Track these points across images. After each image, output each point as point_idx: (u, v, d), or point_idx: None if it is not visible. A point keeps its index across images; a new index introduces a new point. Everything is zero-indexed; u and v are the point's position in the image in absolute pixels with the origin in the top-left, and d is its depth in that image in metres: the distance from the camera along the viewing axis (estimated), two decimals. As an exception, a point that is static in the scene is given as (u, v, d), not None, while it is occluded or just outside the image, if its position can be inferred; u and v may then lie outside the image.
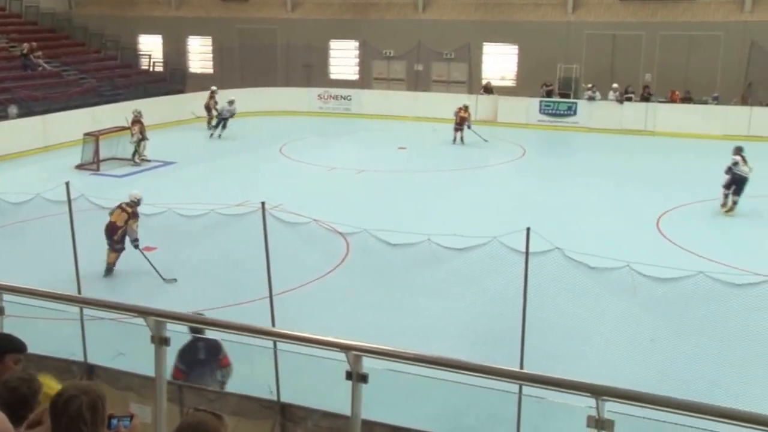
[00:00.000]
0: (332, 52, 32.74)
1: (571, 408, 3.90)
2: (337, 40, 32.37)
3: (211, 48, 34.54)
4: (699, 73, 26.83)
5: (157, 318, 4.10)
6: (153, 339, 4.06)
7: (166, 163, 20.53)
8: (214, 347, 7.00)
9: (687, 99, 26.64)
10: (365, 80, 31.84)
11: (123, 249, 11.80)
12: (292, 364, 6.41)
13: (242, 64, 32.63)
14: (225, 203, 12.78)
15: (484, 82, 29.61)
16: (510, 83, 29.98)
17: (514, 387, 5.96)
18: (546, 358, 7.71)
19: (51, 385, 3.36)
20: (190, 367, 6.80)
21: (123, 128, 20.45)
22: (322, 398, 6.00)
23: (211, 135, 24.30)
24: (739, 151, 16.26)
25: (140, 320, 4.21)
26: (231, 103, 24.20)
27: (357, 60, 32.35)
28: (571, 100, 27.52)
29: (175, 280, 11.51)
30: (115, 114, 21.98)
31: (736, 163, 15.89)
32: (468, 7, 30.38)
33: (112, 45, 31.44)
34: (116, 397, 6.02)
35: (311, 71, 31.82)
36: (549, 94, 27.87)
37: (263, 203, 7.35)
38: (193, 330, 6.58)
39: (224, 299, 9.94)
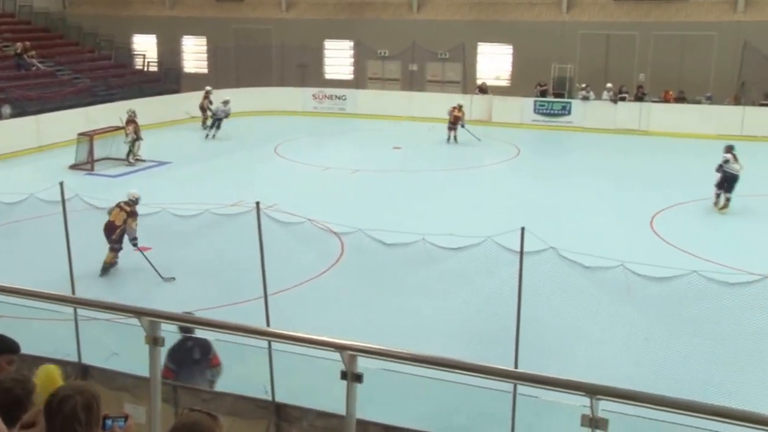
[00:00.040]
0: (327, 52, 32.72)
1: (566, 407, 3.92)
2: (331, 40, 32.36)
3: (205, 48, 34.48)
4: (692, 73, 26.92)
5: (151, 318, 4.09)
6: (147, 339, 4.06)
7: (161, 163, 20.49)
8: (204, 346, 7.01)
9: (680, 99, 26.75)
10: (360, 80, 31.83)
11: (120, 249, 11.81)
12: (286, 364, 6.41)
13: (237, 64, 32.58)
14: (220, 203, 12.77)
15: (479, 82, 29.65)
16: (504, 83, 30.02)
17: (508, 386, 5.98)
18: (540, 357, 7.73)
19: (52, 373, 3.33)
20: (180, 366, 6.80)
21: (117, 128, 20.40)
22: (317, 398, 6.00)
23: (207, 135, 24.26)
24: (730, 149, 16.36)
25: (134, 320, 4.21)
26: (226, 103, 24.17)
27: (352, 60, 32.35)
28: (566, 99, 27.58)
29: (174, 278, 11.53)
30: (109, 114, 21.91)
31: (726, 161, 16.01)
32: (462, 7, 30.41)
33: (106, 45, 31.35)
34: (111, 398, 6.01)
35: (306, 71, 31.80)
36: (543, 93, 27.93)
37: (258, 203, 7.34)
38: (183, 329, 6.59)
39: (219, 299, 9.93)
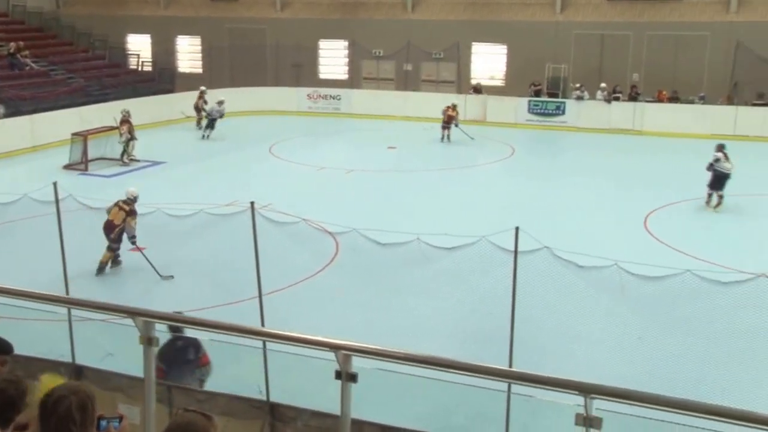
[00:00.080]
0: (321, 52, 32.70)
1: (560, 406, 3.93)
2: (326, 40, 32.34)
3: (200, 47, 34.42)
4: (686, 72, 27.01)
5: (145, 318, 4.09)
6: (141, 339, 4.05)
7: (155, 163, 20.45)
8: (194, 346, 7.01)
9: (674, 98, 26.83)
10: (354, 80, 31.83)
11: (118, 248, 11.84)
12: (281, 364, 6.41)
13: (231, 64, 32.55)
14: (214, 203, 12.74)
15: (473, 82, 29.69)
16: (499, 83, 30.06)
17: (503, 385, 5.99)
18: (535, 356, 7.75)
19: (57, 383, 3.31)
20: (170, 365, 6.79)
21: (111, 128, 20.34)
22: (312, 398, 6.00)
23: (203, 136, 24.18)
24: (721, 148, 16.44)
25: (129, 321, 4.20)
26: (220, 103, 24.12)
27: (346, 60, 32.33)
28: (560, 99, 27.63)
29: (172, 276, 11.52)
30: (103, 114, 21.86)
31: (717, 160, 16.10)
32: (457, 7, 30.43)
33: (100, 44, 31.25)
34: (105, 398, 6.00)
35: (300, 71, 31.78)
36: (537, 93, 27.98)
37: (252, 203, 7.34)
38: (173, 328, 6.58)
39: (214, 299, 9.92)
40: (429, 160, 21.83)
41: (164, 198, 13.75)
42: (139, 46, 33.99)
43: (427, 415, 7.03)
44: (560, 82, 28.38)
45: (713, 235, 14.60)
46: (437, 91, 29.35)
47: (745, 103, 25.55)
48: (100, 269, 11.74)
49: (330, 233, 12.08)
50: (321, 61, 32.75)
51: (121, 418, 2.95)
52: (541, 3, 29.35)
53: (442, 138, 24.11)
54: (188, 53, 35.01)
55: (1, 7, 30.63)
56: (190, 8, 34.25)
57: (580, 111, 26.81)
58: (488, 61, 30.40)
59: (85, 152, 19.76)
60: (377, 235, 9.11)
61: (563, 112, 27.19)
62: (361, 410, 4.79)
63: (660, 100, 26.88)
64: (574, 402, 3.39)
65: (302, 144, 24.37)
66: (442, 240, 9.00)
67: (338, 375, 3.67)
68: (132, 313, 4.21)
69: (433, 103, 26.27)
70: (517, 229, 6.63)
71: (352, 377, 3.67)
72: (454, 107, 24.33)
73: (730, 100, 25.97)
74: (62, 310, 6.99)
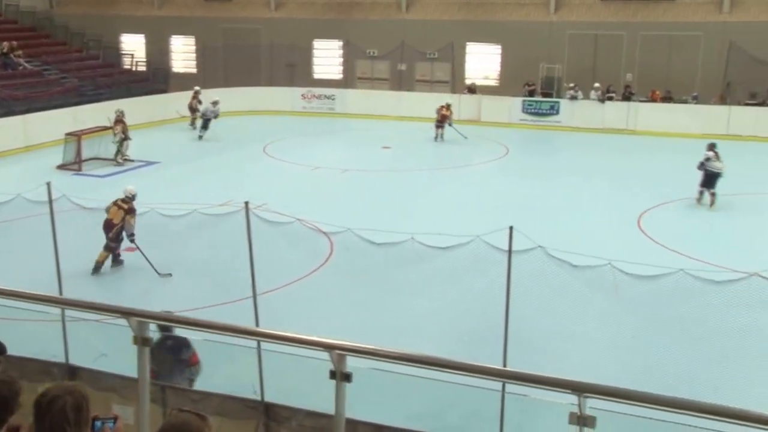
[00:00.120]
0: (316, 52, 32.68)
1: (554, 405, 3.93)
2: (320, 40, 32.32)
3: (194, 47, 34.35)
4: (679, 72, 27.10)
5: (139, 319, 4.08)
6: (135, 340, 4.04)
7: (149, 163, 20.40)
8: (184, 345, 6.99)
9: (667, 98, 26.92)
10: (349, 80, 31.82)
11: (115, 248, 11.85)
12: (275, 364, 6.40)
13: (225, 64, 32.49)
14: (208, 203, 12.73)
15: (468, 82, 29.73)
16: (493, 83, 30.10)
17: (497, 385, 6.01)
18: (529, 355, 7.77)
19: None
20: (160, 365, 6.77)
21: (105, 128, 20.29)
22: (306, 398, 6.00)
23: (200, 137, 24.07)
24: (712, 147, 16.55)
25: (122, 321, 4.19)
26: (215, 104, 24.07)
27: (341, 59, 32.33)
28: (554, 99, 27.69)
29: (170, 274, 11.51)
30: (97, 114, 21.78)
31: (708, 159, 16.21)
32: (451, 7, 30.46)
33: (94, 44, 31.15)
34: (98, 399, 5.98)
35: (295, 71, 31.74)
36: (531, 93, 28.03)
37: (246, 203, 7.32)
38: (162, 328, 6.57)
39: (208, 299, 9.91)
40: (423, 160, 21.85)
41: (158, 198, 13.70)
42: (133, 46, 33.90)
43: (422, 415, 7.04)
44: (554, 82, 28.42)
45: (706, 235, 14.66)
46: (432, 91, 29.37)
47: (738, 103, 25.66)
48: (96, 268, 11.73)
49: (324, 233, 12.08)
50: (315, 61, 32.73)
51: (115, 419, 2.94)
52: (535, 3, 29.40)
53: (436, 137, 24.24)
54: (182, 53, 34.93)
55: (-6, 6, 30.54)
56: (184, 8, 34.18)
57: (574, 111, 26.87)
58: (482, 61, 30.44)
59: (78, 152, 19.70)
60: (372, 234, 9.11)
61: (557, 112, 27.25)
62: (356, 410, 4.79)
63: (653, 100, 26.97)
64: (568, 401, 3.39)
65: (297, 144, 24.34)
66: (436, 239, 9.01)
67: (333, 375, 3.67)
68: (126, 313, 4.19)
69: (427, 103, 26.32)
70: (511, 228, 6.63)
71: (347, 377, 3.67)
72: (448, 107, 24.46)
73: (723, 100, 26.08)
74: (55, 311, 6.97)
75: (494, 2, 29.81)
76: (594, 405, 3.38)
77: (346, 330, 8.14)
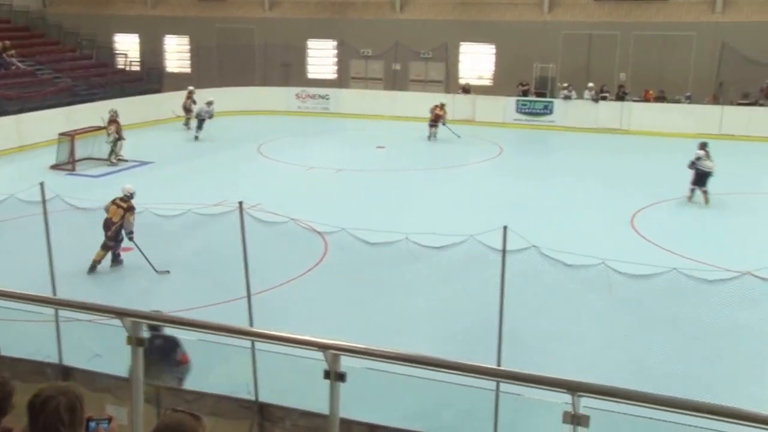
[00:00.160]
0: (310, 52, 32.67)
1: (548, 404, 3.95)
2: (314, 40, 32.31)
3: (188, 47, 34.28)
4: (672, 72, 27.20)
5: (133, 319, 4.08)
6: (129, 340, 4.04)
7: (143, 163, 20.36)
8: (173, 344, 6.98)
9: (660, 98, 27.02)
10: (343, 79, 31.81)
11: (113, 247, 11.84)
12: (270, 364, 6.40)
13: (220, 64, 32.42)
14: (203, 203, 12.70)
15: (462, 82, 29.76)
16: (487, 82, 30.16)
17: (491, 384, 6.02)
18: (523, 354, 7.78)
19: None
20: (149, 364, 6.76)
21: (99, 128, 20.23)
22: (300, 397, 6.00)
23: (195, 137, 23.98)
24: (703, 146, 16.64)
25: (116, 321, 4.19)
26: (209, 104, 24.01)
27: (335, 59, 32.32)
28: (547, 99, 27.74)
29: (168, 271, 11.49)
30: (90, 114, 21.71)
31: (699, 158, 16.31)
32: (445, 7, 30.48)
33: (88, 44, 31.04)
34: (92, 399, 5.96)
35: (289, 70, 31.72)
36: (525, 93, 28.08)
37: (241, 203, 7.31)
38: (151, 327, 6.55)
39: (202, 299, 9.89)
40: (418, 160, 21.87)
41: (152, 198, 13.67)
42: (127, 46, 33.81)
43: (416, 414, 7.05)
44: (548, 82, 28.49)
45: (699, 234, 14.71)
46: (426, 90, 29.40)
47: (731, 103, 25.77)
48: (92, 268, 11.71)
49: (319, 233, 12.07)
50: (309, 60, 32.72)
51: (110, 420, 2.94)
52: (529, 3, 29.45)
53: (429, 136, 24.29)
54: (176, 53, 34.86)
55: (-13, 6, 30.40)
56: (178, 8, 34.11)
57: (568, 110, 26.93)
58: (476, 61, 30.49)
59: (72, 152, 19.65)
60: (366, 234, 9.11)
61: (551, 112, 27.31)
62: (350, 410, 4.80)
63: (647, 100, 27.06)
64: (562, 400, 3.41)
65: (291, 144, 24.32)
66: (430, 239, 9.02)
67: (327, 374, 3.67)
68: (120, 313, 4.19)
69: (421, 102, 26.32)
70: (505, 228, 6.65)
71: (341, 377, 3.67)
72: (442, 106, 24.52)
73: (715, 100, 26.19)
74: (49, 311, 6.95)
75: (488, 2, 29.85)
76: (588, 404, 3.40)
77: (341, 330, 8.14)
